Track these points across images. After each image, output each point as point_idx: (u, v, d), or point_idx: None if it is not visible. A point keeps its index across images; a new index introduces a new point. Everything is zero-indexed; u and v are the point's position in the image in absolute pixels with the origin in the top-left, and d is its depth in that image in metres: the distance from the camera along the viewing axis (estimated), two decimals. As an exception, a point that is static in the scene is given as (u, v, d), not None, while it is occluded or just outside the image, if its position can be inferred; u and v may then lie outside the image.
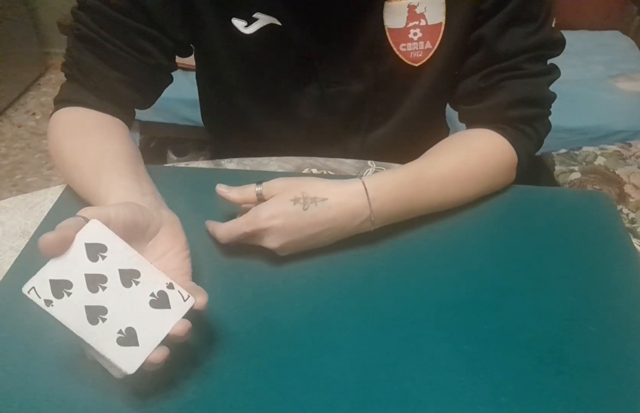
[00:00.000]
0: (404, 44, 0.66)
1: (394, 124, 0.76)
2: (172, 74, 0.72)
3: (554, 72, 0.67)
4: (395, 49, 0.67)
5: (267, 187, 0.55)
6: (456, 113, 0.74)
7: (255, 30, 0.65)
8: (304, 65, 0.69)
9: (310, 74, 0.70)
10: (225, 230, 0.55)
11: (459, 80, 0.70)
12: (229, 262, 0.55)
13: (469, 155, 0.63)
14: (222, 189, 0.57)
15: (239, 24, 0.65)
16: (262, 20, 0.65)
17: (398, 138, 0.77)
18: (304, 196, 0.53)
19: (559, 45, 0.67)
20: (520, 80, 0.65)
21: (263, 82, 0.72)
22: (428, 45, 0.66)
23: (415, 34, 0.66)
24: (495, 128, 0.66)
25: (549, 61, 0.67)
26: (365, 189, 0.55)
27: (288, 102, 0.73)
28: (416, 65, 0.68)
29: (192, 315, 0.50)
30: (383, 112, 0.75)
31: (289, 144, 0.76)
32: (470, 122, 0.69)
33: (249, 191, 0.56)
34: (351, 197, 0.55)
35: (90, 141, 0.60)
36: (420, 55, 0.67)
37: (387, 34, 0.66)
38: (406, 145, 0.78)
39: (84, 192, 0.58)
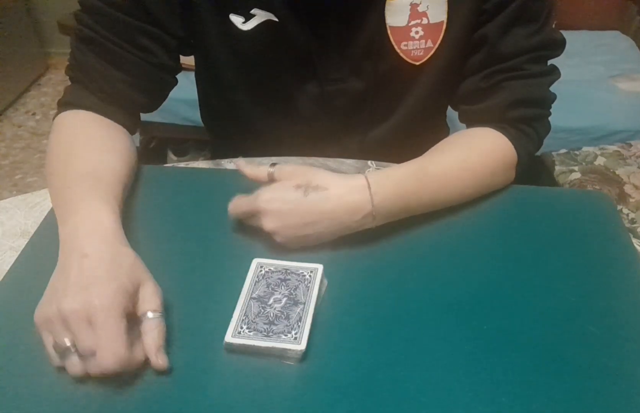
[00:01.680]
0: (405, 42, 0.66)
1: (393, 124, 0.76)
2: (176, 76, 0.72)
3: (554, 73, 0.67)
4: (396, 47, 0.67)
5: (278, 169, 0.57)
6: (457, 113, 0.74)
7: (253, 26, 0.65)
8: (303, 63, 0.69)
9: (310, 71, 0.70)
10: (232, 205, 0.57)
11: (460, 80, 0.70)
12: (229, 262, 0.55)
13: (470, 153, 0.63)
14: (240, 162, 0.60)
15: (236, 20, 0.65)
16: (260, 16, 0.65)
17: (397, 138, 0.77)
18: (307, 183, 0.54)
19: (559, 46, 0.67)
20: (522, 81, 0.65)
21: (261, 79, 0.72)
22: (429, 43, 0.66)
23: (416, 32, 0.66)
24: (496, 127, 0.66)
25: (549, 62, 0.67)
26: (368, 184, 0.55)
27: (287, 99, 0.73)
28: (417, 63, 0.68)
29: (190, 317, 0.50)
30: (382, 111, 0.75)
31: (287, 142, 0.76)
32: (471, 122, 0.69)
33: (262, 170, 0.58)
34: (352, 191, 0.55)
35: (83, 156, 0.59)
36: (421, 53, 0.67)
37: (389, 31, 0.66)
38: (406, 145, 0.77)
39: (55, 204, 0.56)
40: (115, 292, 0.44)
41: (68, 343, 0.43)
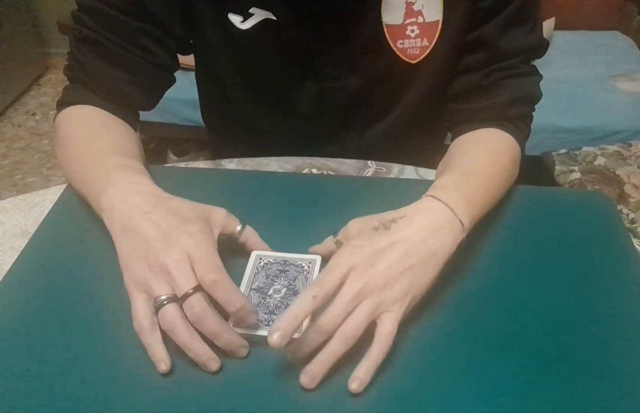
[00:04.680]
0: (401, 41, 0.66)
1: (390, 123, 0.76)
2: (174, 74, 0.72)
3: (539, 73, 0.69)
4: (392, 45, 0.67)
5: (343, 231, 0.52)
6: None
7: (251, 25, 0.65)
8: (301, 61, 0.69)
9: (307, 69, 0.70)
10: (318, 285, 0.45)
11: (456, 78, 0.70)
12: (229, 257, 0.55)
13: (494, 154, 0.62)
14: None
15: (235, 19, 0.65)
16: (258, 15, 0.65)
17: (395, 137, 0.77)
18: (382, 222, 0.49)
19: (545, 48, 0.69)
20: (519, 79, 0.66)
21: (260, 77, 0.72)
22: (425, 42, 0.66)
23: (412, 30, 0.66)
24: (497, 125, 0.66)
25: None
26: (432, 196, 0.52)
27: (285, 97, 0.74)
28: (413, 62, 0.68)
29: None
30: (379, 109, 0.75)
31: (287, 140, 0.76)
32: (468, 121, 0.68)
33: (328, 243, 0.54)
34: (425, 206, 0.51)
35: (104, 134, 0.61)
36: (417, 52, 0.67)
37: (385, 30, 0.66)
38: (403, 144, 0.78)
39: (85, 179, 0.58)
40: (201, 228, 0.48)
41: (166, 294, 0.44)
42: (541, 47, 0.68)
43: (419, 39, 0.66)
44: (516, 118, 0.67)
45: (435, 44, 0.66)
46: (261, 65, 0.70)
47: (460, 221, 0.51)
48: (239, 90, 0.74)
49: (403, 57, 0.68)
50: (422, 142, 0.83)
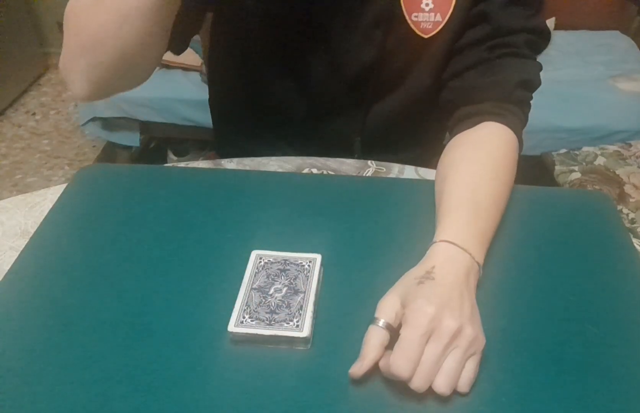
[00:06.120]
0: (415, 14, 0.67)
1: (398, 98, 0.76)
2: (175, 69, 0.72)
3: (539, 62, 0.69)
4: (407, 16, 0.67)
5: (384, 310, 0.47)
6: None
7: None
8: (316, 30, 0.70)
9: (321, 38, 0.71)
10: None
11: (460, 53, 0.69)
12: (229, 258, 0.55)
13: (495, 163, 0.62)
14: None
15: None
16: None
17: (401, 114, 0.77)
18: (417, 277, 0.49)
19: (548, 37, 0.69)
20: (521, 60, 0.66)
21: (279, 38, 0.73)
22: (438, 17, 0.67)
23: (427, 4, 0.67)
24: (496, 118, 0.64)
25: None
26: (445, 241, 0.52)
27: (299, 64, 0.74)
28: (425, 37, 0.69)
29: (192, 314, 0.50)
30: (388, 84, 0.75)
31: (294, 112, 0.76)
32: (469, 103, 0.67)
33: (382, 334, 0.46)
34: (442, 253, 0.51)
35: None
36: (430, 26, 0.68)
37: (401, 0, 0.66)
38: (408, 124, 0.78)
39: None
40: None
41: None
42: (543, 32, 0.68)
43: (432, 14, 0.67)
44: (518, 103, 0.66)
45: (448, 19, 0.67)
46: (281, 25, 0.71)
47: (474, 258, 0.51)
48: (259, 43, 0.74)
49: (416, 31, 0.68)
50: (423, 129, 0.83)
